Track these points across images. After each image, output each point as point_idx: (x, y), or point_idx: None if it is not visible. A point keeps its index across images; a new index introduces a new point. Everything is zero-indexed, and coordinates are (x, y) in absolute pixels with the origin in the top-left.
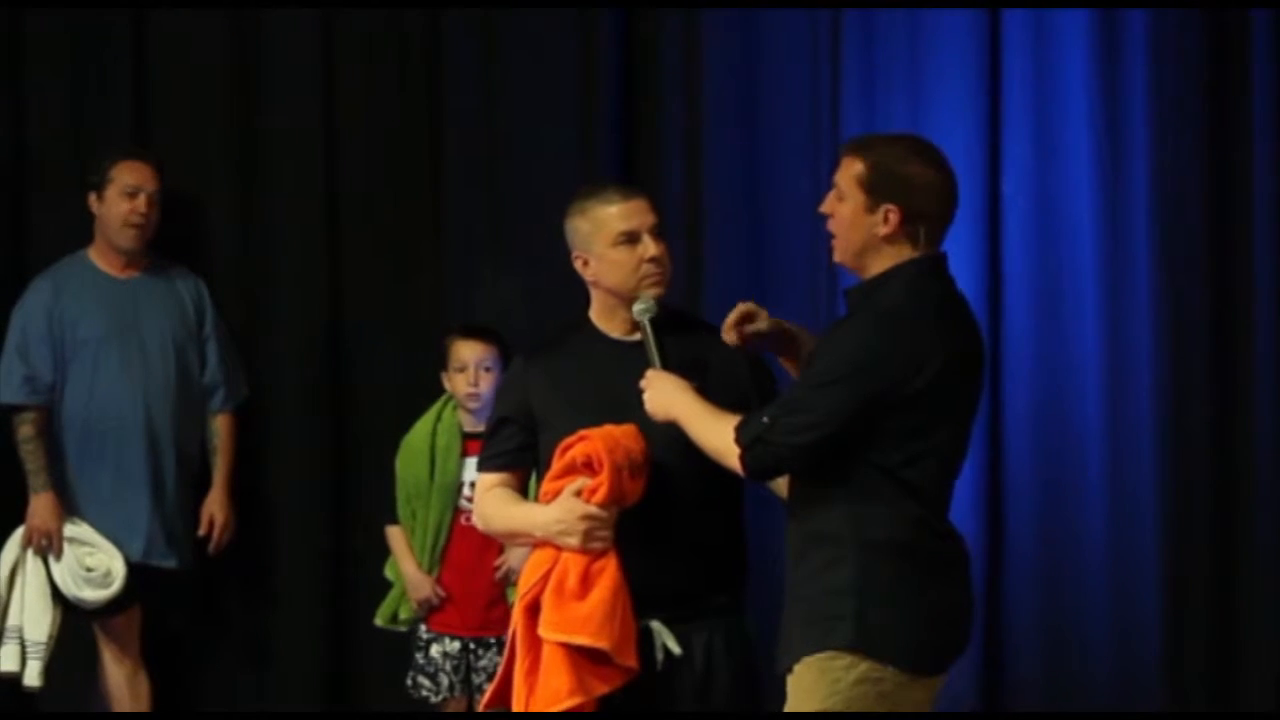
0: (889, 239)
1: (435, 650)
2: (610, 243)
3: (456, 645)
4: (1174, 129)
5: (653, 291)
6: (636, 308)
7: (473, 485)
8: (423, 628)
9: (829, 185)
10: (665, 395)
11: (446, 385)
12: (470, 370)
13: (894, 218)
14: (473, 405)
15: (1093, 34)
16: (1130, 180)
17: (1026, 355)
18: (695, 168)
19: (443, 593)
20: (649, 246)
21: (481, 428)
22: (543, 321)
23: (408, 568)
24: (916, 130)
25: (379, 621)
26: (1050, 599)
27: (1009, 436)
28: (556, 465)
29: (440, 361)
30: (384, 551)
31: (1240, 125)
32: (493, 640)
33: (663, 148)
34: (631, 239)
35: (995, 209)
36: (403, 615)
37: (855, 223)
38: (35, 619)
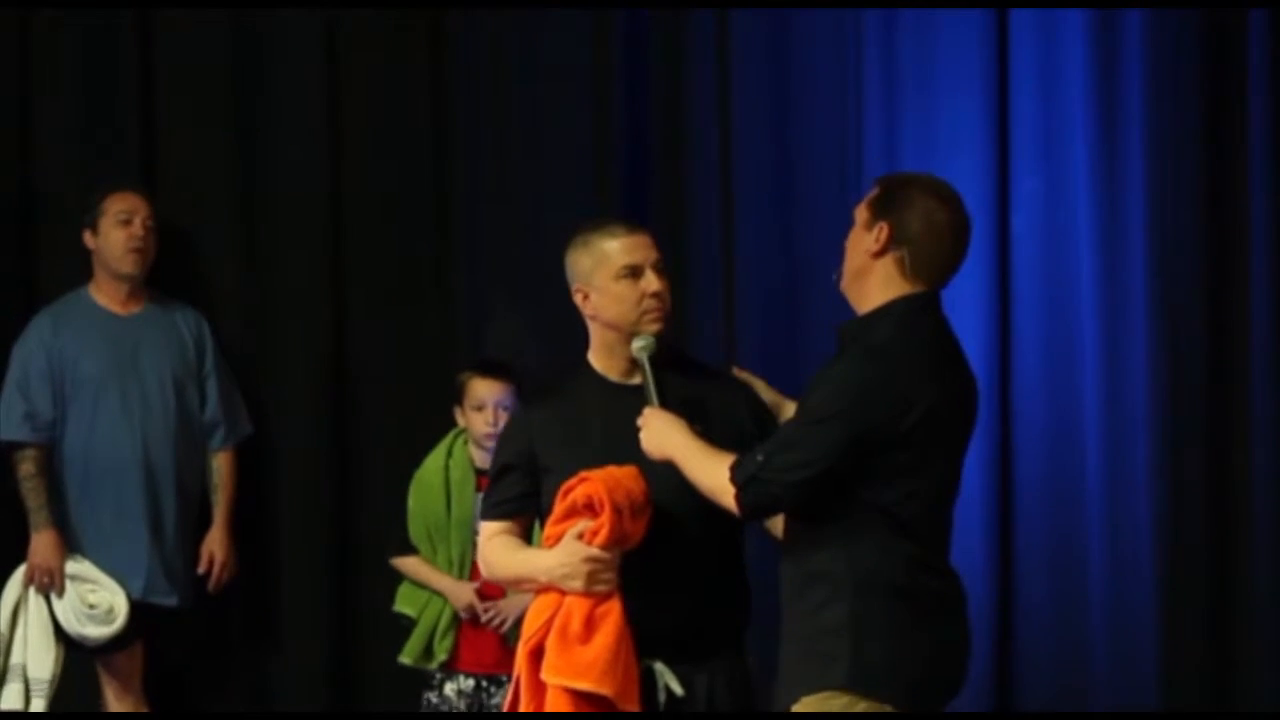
0: (878, 257)
1: (449, 688)
2: (612, 276)
3: (471, 683)
4: (1171, 176)
5: (653, 328)
6: (635, 345)
7: None
8: (437, 664)
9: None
10: (661, 434)
11: (460, 421)
12: (489, 409)
13: (884, 234)
14: (489, 444)
15: (1092, 38)
16: (1127, 221)
17: (1036, 390)
18: (727, 183)
19: (499, 604)
20: (651, 281)
21: None
22: (555, 357)
23: (443, 582)
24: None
25: (406, 660)
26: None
27: (1018, 466)
28: (559, 508)
29: (454, 396)
30: (388, 588)
31: (1239, 177)
32: (505, 678)
33: (689, 166)
34: (634, 273)
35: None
36: (439, 654)
37: (855, 241)
38: (38, 657)
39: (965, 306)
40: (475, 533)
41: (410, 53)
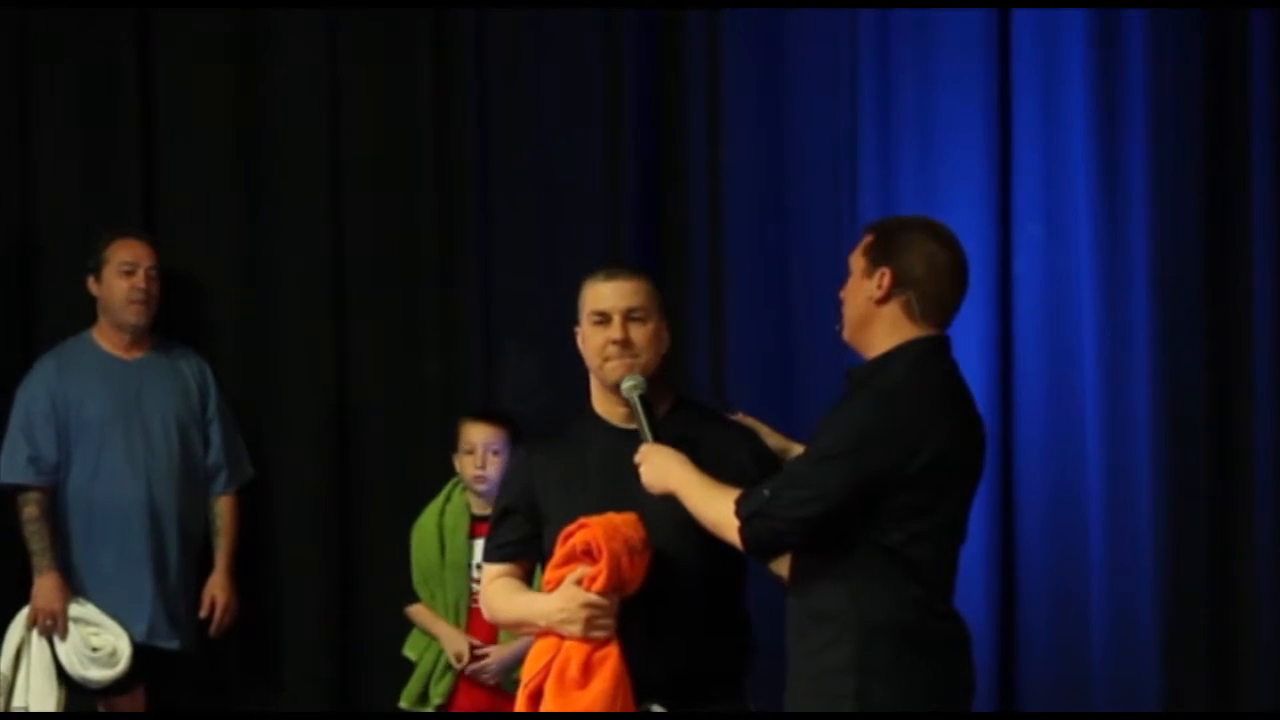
0: (882, 303)
1: None
2: (587, 320)
3: None
4: (1171, 202)
5: (613, 376)
6: (625, 385)
7: (480, 567)
8: (433, 707)
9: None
10: (661, 468)
11: (457, 466)
12: (478, 453)
13: (886, 280)
14: (480, 488)
15: (1094, 70)
16: (1130, 253)
17: (1037, 428)
18: (717, 211)
19: (477, 642)
20: (615, 330)
21: (490, 510)
22: (567, 403)
23: (441, 628)
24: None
25: (404, 704)
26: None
27: (1021, 509)
28: (558, 553)
29: (451, 443)
30: (391, 633)
31: (1242, 220)
32: None
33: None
34: (603, 319)
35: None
36: (435, 699)
37: (855, 289)
38: (41, 700)
39: (967, 348)
40: (471, 579)
41: (416, 93)
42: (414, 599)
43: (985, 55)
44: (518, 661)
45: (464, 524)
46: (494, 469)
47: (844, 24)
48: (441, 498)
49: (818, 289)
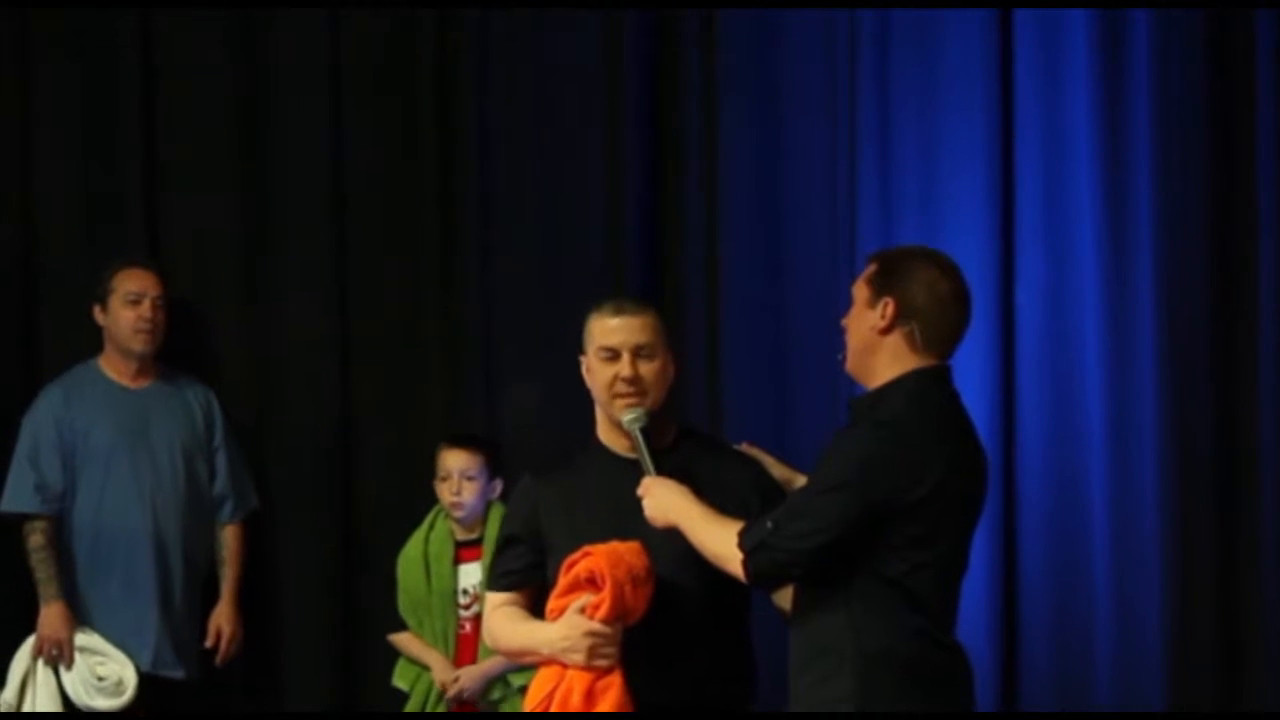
0: (886, 334)
1: None
2: (595, 355)
3: None
4: (1178, 219)
5: (622, 413)
6: (626, 418)
7: (465, 593)
8: None
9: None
10: (664, 500)
11: (437, 493)
12: (453, 479)
13: (889, 310)
14: (457, 514)
15: (1098, 102)
16: (1135, 281)
17: (1040, 459)
18: (714, 213)
19: (458, 673)
20: (624, 366)
21: (472, 534)
22: (570, 431)
23: (431, 656)
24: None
25: None
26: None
27: (1023, 542)
28: (562, 582)
29: (432, 470)
30: (391, 661)
31: (1248, 250)
32: None
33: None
34: (612, 355)
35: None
36: None
37: (858, 319)
38: None
39: (969, 378)
40: (458, 605)
41: (419, 131)
42: (398, 627)
43: (985, 83)
44: (490, 680)
45: (448, 551)
46: (470, 495)
47: (842, 43)
48: (425, 525)
49: (813, 328)
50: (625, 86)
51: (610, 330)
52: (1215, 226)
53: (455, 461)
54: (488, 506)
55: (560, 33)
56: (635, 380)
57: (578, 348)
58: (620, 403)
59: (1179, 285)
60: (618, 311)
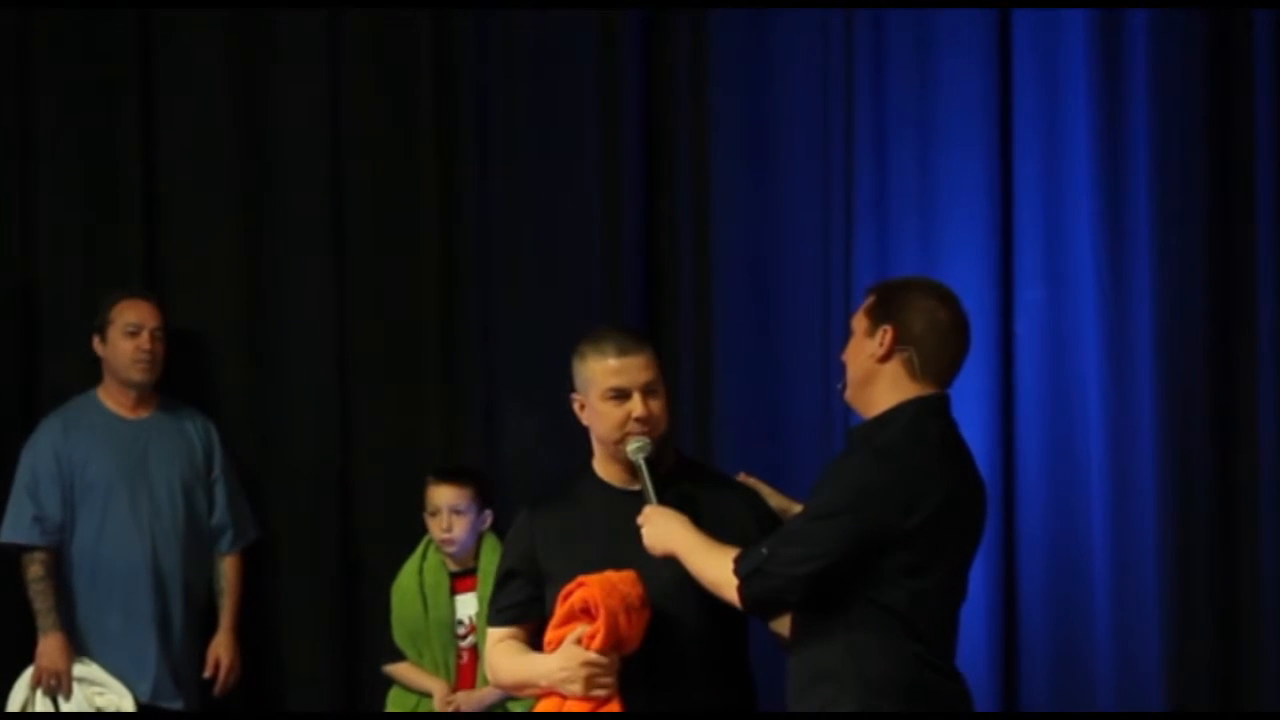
0: (884, 361)
1: None
2: (600, 396)
3: None
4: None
5: (632, 442)
6: (631, 447)
7: (462, 623)
8: None
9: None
10: (663, 529)
11: (428, 526)
12: (443, 515)
13: (888, 338)
14: (449, 550)
15: (1098, 125)
16: (1133, 312)
17: (1039, 489)
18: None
19: (454, 698)
20: (637, 405)
21: (466, 565)
22: (569, 460)
23: (430, 683)
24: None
25: None
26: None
27: (1023, 572)
28: (558, 613)
29: (422, 503)
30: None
31: (1249, 272)
32: None
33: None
34: (621, 395)
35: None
36: None
37: (857, 349)
38: None
39: (968, 407)
40: (456, 635)
41: (419, 153)
42: (393, 658)
43: (985, 107)
44: (487, 707)
45: (444, 581)
46: (460, 530)
47: (837, 44)
48: (418, 555)
49: (804, 350)
50: (621, 88)
51: (616, 371)
52: (1215, 256)
53: (443, 497)
54: (480, 538)
55: (559, 33)
56: (648, 419)
57: (568, 384)
58: (632, 441)
59: (1178, 314)
60: (621, 352)
